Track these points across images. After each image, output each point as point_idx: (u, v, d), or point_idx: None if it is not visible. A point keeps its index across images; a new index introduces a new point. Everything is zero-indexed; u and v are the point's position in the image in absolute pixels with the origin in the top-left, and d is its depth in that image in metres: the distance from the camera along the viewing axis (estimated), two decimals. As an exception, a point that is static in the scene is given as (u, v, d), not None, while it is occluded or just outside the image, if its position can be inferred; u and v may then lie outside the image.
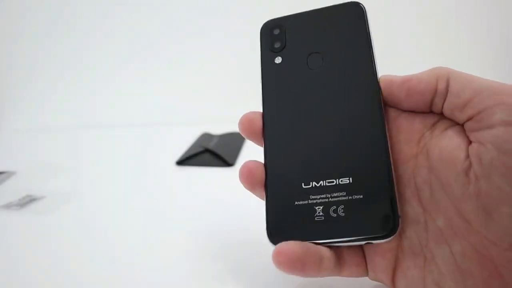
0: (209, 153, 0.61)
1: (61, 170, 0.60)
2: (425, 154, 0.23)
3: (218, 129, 0.72)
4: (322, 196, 0.23)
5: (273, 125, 0.26)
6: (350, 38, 0.27)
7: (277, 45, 0.28)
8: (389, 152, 0.23)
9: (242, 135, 0.27)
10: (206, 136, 0.69)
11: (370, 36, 0.27)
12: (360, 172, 0.23)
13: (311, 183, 0.23)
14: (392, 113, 0.25)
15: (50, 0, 0.80)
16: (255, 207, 0.46)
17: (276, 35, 0.28)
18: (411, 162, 0.23)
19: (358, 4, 0.28)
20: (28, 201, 0.49)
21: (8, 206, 0.48)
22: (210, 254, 0.37)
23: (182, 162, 0.60)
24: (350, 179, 0.23)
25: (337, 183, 0.23)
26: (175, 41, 0.82)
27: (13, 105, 0.86)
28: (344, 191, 0.22)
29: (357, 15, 0.27)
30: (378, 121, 0.24)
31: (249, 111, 0.27)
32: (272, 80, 0.27)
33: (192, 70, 0.84)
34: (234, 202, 0.48)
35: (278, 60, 0.27)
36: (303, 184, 0.23)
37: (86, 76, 0.85)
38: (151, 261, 0.37)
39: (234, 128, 0.75)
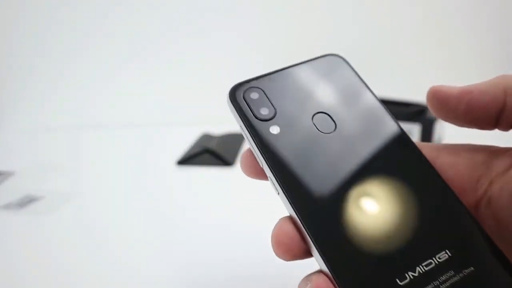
0: (209, 153, 0.61)
1: (61, 170, 0.60)
2: (487, 202, 0.19)
3: (218, 129, 0.72)
4: (430, 286, 0.17)
5: (319, 224, 0.18)
6: (349, 91, 0.23)
7: (264, 111, 0.21)
8: (462, 203, 0.19)
9: (283, 259, 0.19)
10: (206, 136, 0.69)
11: (367, 85, 0.23)
12: (451, 239, 0.18)
13: (407, 275, 0.17)
14: (431, 153, 0.21)
15: (50, 0, 0.80)
16: (255, 206, 0.46)
17: (257, 100, 0.22)
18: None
19: (337, 56, 0.24)
20: (27, 201, 0.49)
21: (8, 206, 0.48)
22: (210, 254, 0.37)
23: (182, 162, 0.60)
24: (447, 251, 0.18)
25: (437, 262, 0.17)
26: (175, 41, 0.82)
27: (13, 105, 0.86)
28: (450, 269, 0.17)
29: (341, 66, 0.24)
30: (433, 175, 0.20)
31: (276, 228, 0.19)
32: (282, 162, 0.20)
33: (192, 70, 0.84)
34: (234, 202, 0.48)
35: (274, 130, 0.21)
36: (398, 280, 0.17)
37: (86, 76, 0.85)
38: (151, 261, 0.37)
39: (234, 128, 0.75)
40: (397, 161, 0.21)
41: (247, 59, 0.83)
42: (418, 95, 0.69)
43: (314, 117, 0.22)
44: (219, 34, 0.82)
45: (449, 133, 0.61)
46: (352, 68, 0.24)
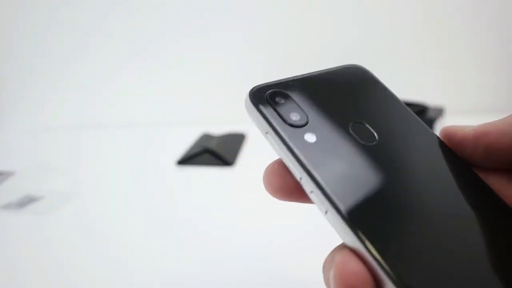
0: (209, 153, 0.61)
1: (61, 170, 0.60)
2: None
3: (218, 129, 0.72)
4: None
5: (399, 262, 0.15)
6: (380, 101, 0.21)
7: (294, 117, 0.18)
8: None
9: None
10: (206, 136, 0.69)
11: (395, 95, 0.22)
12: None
13: None
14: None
15: (47, 0, 0.80)
16: (255, 206, 0.46)
17: (284, 105, 0.19)
18: None
19: (359, 66, 0.23)
20: (27, 201, 0.49)
21: (8, 206, 0.48)
22: (210, 254, 0.37)
23: (182, 162, 0.60)
24: None
25: None
26: (175, 41, 0.82)
27: (13, 105, 0.86)
28: None
29: (367, 76, 0.22)
30: (489, 191, 0.18)
31: (340, 266, 0.15)
32: (330, 175, 0.16)
33: (192, 70, 0.84)
34: (234, 202, 0.48)
35: (310, 138, 0.18)
36: None
37: (86, 76, 0.85)
38: (151, 261, 0.37)
39: (234, 128, 0.75)
40: (446, 172, 0.19)
41: (248, 59, 0.83)
42: (418, 95, 0.69)
43: (351, 126, 0.19)
44: (219, 34, 0.82)
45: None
46: (377, 78, 0.22)
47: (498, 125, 0.18)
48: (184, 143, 0.67)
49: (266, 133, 0.18)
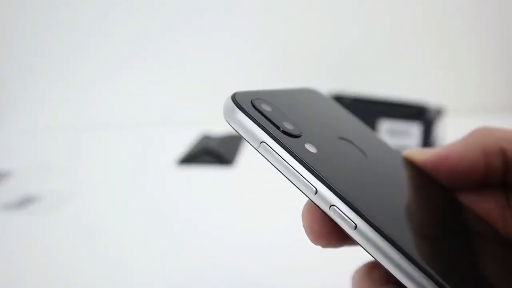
0: (209, 153, 0.61)
1: (61, 170, 0.60)
2: None
3: (218, 129, 0.72)
4: None
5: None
6: (349, 121, 0.21)
7: (289, 126, 0.15)
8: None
9: None
10: (206, 136, 0.69)
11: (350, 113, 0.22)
12: None
13: None
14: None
15: (47, 0, 0.80)
16: (256, 206, 0.46)
17: (272, 113, 0.16)
18: None
19: (313, 90, 0.21)
20: (26, 201, 0.49)
21: (7, 206, 0.48)
22: (210, 254, 0.37)
23: (182, 162, 0.60)
24: None
25: None
26: (175, 41, 0.82)
27: (13, 105, 0.86)
28: None
29: (323, 97, 0.21)
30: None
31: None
32: (348, 187, 0.14)
33: (192, 70, 0.84)
34: (234, 201, 0.48)
35: (310, 148, 0.15)
36: None
37: (86, 76, 0.84)
38: (151, 261, 0.37)
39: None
40: (431, 186, 0.18)
41: (248, 59, 0.83)
42: (418, 95, 0.69)
43: (339, 141, 0.18)
44: (219, 34, 0.82)
45: (450, 133, 0.61)
46: (329, 98, 0.22)
47: (457, 148, 0.18)
48: (184, 143, 0.67)
49: (261, 142, 0.15)
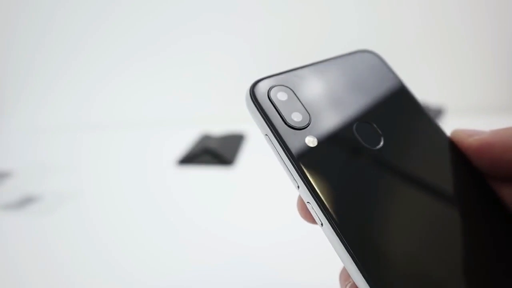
0: (209, 153, 0.61)
1: (60, 170, 0.60)
2: None
3: (218, 129, 0.72)
4: None
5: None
6: (391, 95, 0.19)
7: (296, 117, 0.16)
8: None
9: None
10: (206, 136, 0.69)
11: (408, 88, 0.20)
12: None
13: None
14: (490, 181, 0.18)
15: (47, 0, 0.80)
16: (256, 206, 0.46)
17: (286, 102, 0.17)
18: None
19: (371, 52, 0.21)
20: (26, 201, 0.49)
21: (7, 206, 0.48)
22: (210, 254, 0.37)
23: (182, 162, 0.60)
24: None
25: None
26: (174, 41, 0.82)
27: (13, 105, 0.86)
28: None
29: (377, 64, 0.20)
30: (497, 203, 0.17)
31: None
32: (326, 186, 0.15)
33: (192, 70, 0.84)
34: (234, 201, 0.48)
35: (311, 141, 0.16)
36: None
37: (85, 76, 0.85)
38: (151, 261, 0.37)
39: (234, 128, 0.75)
40: (455, 184, 0.17)
41: (248, 59, 0.83)
42: (418, 95, 0.69)
43: (356, 127, 0.17)
44: (219, 34, 0.82)
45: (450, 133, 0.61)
46: (390, 67, 0.20)
47: (503, 137, 0.16)
48: (184, 143, 0.67)
49: (266, 135, 0.17)
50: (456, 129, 0.19)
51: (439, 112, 0.62)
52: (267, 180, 0.50)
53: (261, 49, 0.83)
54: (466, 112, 0.74)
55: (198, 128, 0.73)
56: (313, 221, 0.16)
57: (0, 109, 0.86)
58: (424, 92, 0.75)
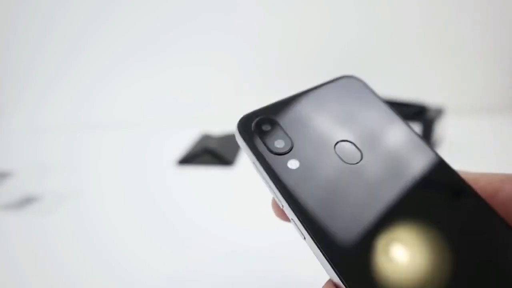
0: (209, 153, 0.61)
1: (60, 170, 0.60)
2: None
3: (218, 129, 0.72)
4: None
5: None
6: (371, 115, 0.20)
7: (279, 144, 0.18)
8: None
9: None
10: (206, 136, 0.69)
11: (391, 108, 0.21)
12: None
13: None
14: (492, 184, 0.18)
15: (47, 0, 0.80)
16: (256, 206, 0.46)
17: (270, 132, 0.19)
18: None
19: (353, 77, 0.22)
20: (26, 201, 0.49)
21: (7, 207, 0.48)
22: (210, 254, 0.37)
23: (182, 162, 0.60)
24: None
25: None
26: (174, 41, 0.82)
27: (13, 105, 0.86)
28: None
29: (359, 88, 0.22)
30: (488, 211, 0.17)
31: None
32: (305, 202, 0.17)
33: (192, 70, 0.84)
34: (234, 201, 0.48)
35: (293, 164, 0.18)
36: None
37: (85, 76, 0.85)
38: (151, 261, 0.37)
39: (234, 128, 0.75)
40: (440, 195, 0.17)
41: (248, 59, 0.83)
42: (417, 95, 0.69)
43: (337, 146, 0.19)
44: (219, 34, 0.82)
45: (450, 133, 0.61)
46: (371, 90, 0.22)
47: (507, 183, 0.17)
48: (184, 143, 0.67)
49: (253, 162, 0.19)
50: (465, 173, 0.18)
51: (439, 112, 0.62)
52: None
53: (261, 49, 0.83)
54: (466, 112, 0.74)
55: (198, 128, 0.73)
56: (285, 218, 0.18)
57: (0, 109, 0.86)
58: (424, 92, 0.76)
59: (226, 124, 0.74)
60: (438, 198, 0.17)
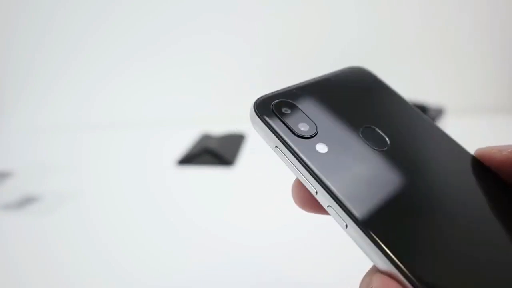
0: (209, 153, 0.61)
1: (60, 170, 0.60)
2: None
3: (218, 129, 0.72)
4: None
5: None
6: (387, 102, 0.21)
7: (303, 127, 0.17)
8: None
9: None
10: (206, 136, 0.69)
11: (402, 96, 0.21)
12: None
13: None
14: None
15: (47, 0, 0.80)
16: (256, 206, 0.46)
17: (291, 115, 0.18)
18: None
19: (363, 69, 0.22)
20: (26, 201, 0.49)
21: (7, 206, 0.48)
22: (210, 254, 0.37)
23: (182, 162, 0.60)
24: None
25: None
26: (175, 41, 0.82)
27: (13, 105, 0.86)
28: None
29: (370, 78, 0.21)
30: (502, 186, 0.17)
31: None
32: (345, 187, 0.16)
33: (192, 71, 0.84)
34: (234, 201, 0.48)
35: (322, 148, 0.17)
36: None
37: (85, 76, 0.85)
38: (151, 261, 0.37)
39: (234, 128, 0.75)
40: (464, 176, 0.18)
41: (248, 59, 0.83)
42: (418, 95, 0.69)
43: (362, 132, 0.18)
44: (219, 34, 0.82)
45: (450, 133, 0.61)
46: (381, 79, 0.21)
47: None
48: (184, 143, 0.67)
49: (276, 147, 0.17)
50: (480, 147, 0.18)
51: (439, 112, 0.62)
52: (267, 180, 0.50)
53: (261, 49, 0.83)
54: (466, 112, 0.74)
55: (198, 128, 0.73)
56: (311, 209, 0.17)
57: (0, 109, 0.86)
58: (424, 92, 0.76)
59: (226, 124, 0.74)
60: (470, 181, 0.17)
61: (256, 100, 0.18)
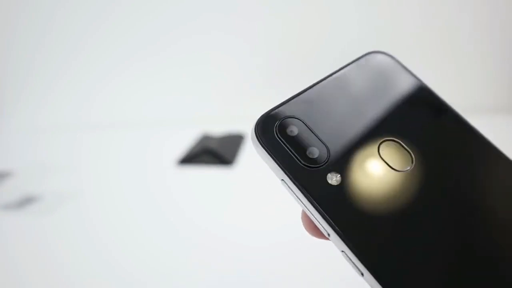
0: (209, 153, 0.61)
1: (60, 170, 0.60)
2: None
3: (218, 129, 0.72)
4: None
5: None
6: (414, 103, 0.17)
7: (312, 153, 0.14)
8: None
9: None
10: (206, 136, 0.69)
11: (431, 89, 0.17)
12: None
13: None
14: None
15: (47, 0, 0.80)
16: (255, 206, 0.46)
17: (298, 137, 0.15)
18: None
19: (382, 53, 0.18)
20: (26, 201, 0.49)
21: (7, 206, 0.48)
22: (210, 254, 0.37)
23: (182, 162, 0.60)
24: None
25: None
26: (175, 42, 0.82)
27: (13, 105, 0.86)
28: None
29: (390, 66, 0.18)
30: None
31: None
32: (360, 231, 0.13)
33: (192, 71, 0.84)
34: (234, 201, 0.48)
35: (334, 179, 0.14)
36: None
37: (85, 76, 0.85)
38: (151, 260, 0.37)
39: (234, 128, 0.75)
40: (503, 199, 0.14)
41: (248, 59, 0.83)
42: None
43: (381, 148, 0.15)
44: (219, 34, 0.82)
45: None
46: (405, 68, 0.18)
47: None
48: (184, 143, 0.67)
49: (282, 179, 0.14)
50: None
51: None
52: (267, 180, 0.50)
53: (261, 49, 0.83)
54: (466, 112, 0.74)
55: (198, 128, 0.73)
56: (322, 236, 0.14)
57: (0, 109, 0.86)
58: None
59: (226, 124, 0.74)
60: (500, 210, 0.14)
61: (258, 120, 0.15)
